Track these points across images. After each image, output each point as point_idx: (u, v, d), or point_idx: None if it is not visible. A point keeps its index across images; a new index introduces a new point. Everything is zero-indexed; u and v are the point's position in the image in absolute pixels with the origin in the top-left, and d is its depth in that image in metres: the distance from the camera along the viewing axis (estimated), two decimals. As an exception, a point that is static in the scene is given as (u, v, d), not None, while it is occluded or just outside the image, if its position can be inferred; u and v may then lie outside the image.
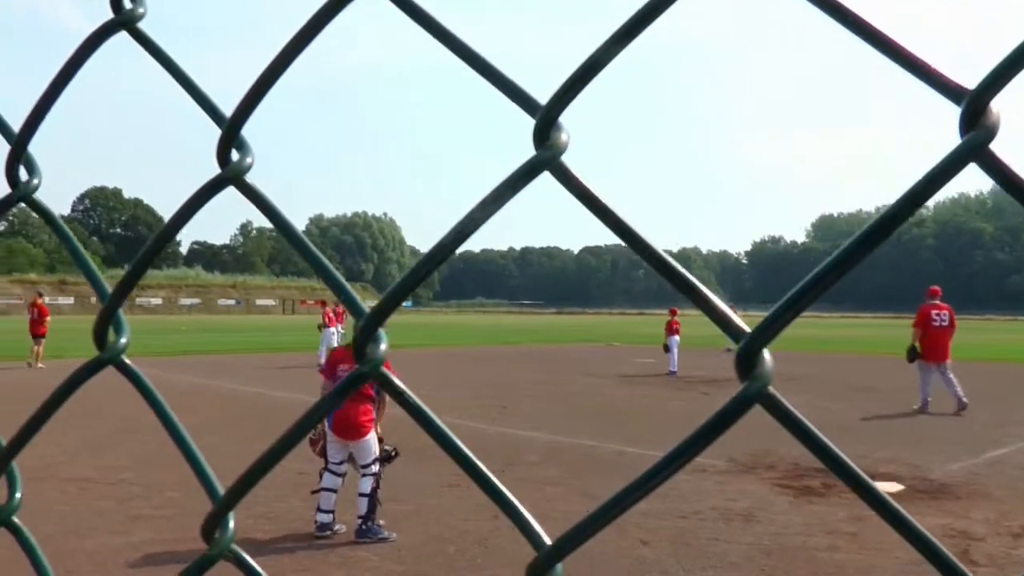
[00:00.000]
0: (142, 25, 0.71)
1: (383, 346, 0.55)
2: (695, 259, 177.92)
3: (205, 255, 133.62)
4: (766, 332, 0.45)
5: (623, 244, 0.53)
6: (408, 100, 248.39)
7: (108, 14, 0.75)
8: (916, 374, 16.20)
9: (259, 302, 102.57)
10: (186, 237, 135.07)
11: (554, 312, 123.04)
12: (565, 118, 0.53)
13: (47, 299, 28.07)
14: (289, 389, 18.63)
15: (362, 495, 7.58)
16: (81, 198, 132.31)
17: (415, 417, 0.56)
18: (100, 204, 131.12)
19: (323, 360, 24.67)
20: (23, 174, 0.81)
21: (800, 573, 6.77)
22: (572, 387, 20.45)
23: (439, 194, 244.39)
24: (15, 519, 0.79)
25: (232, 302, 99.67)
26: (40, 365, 23.22)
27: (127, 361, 0.73)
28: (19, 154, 0.78)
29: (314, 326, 27.09)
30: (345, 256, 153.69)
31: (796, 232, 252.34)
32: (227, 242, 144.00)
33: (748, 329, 0.47)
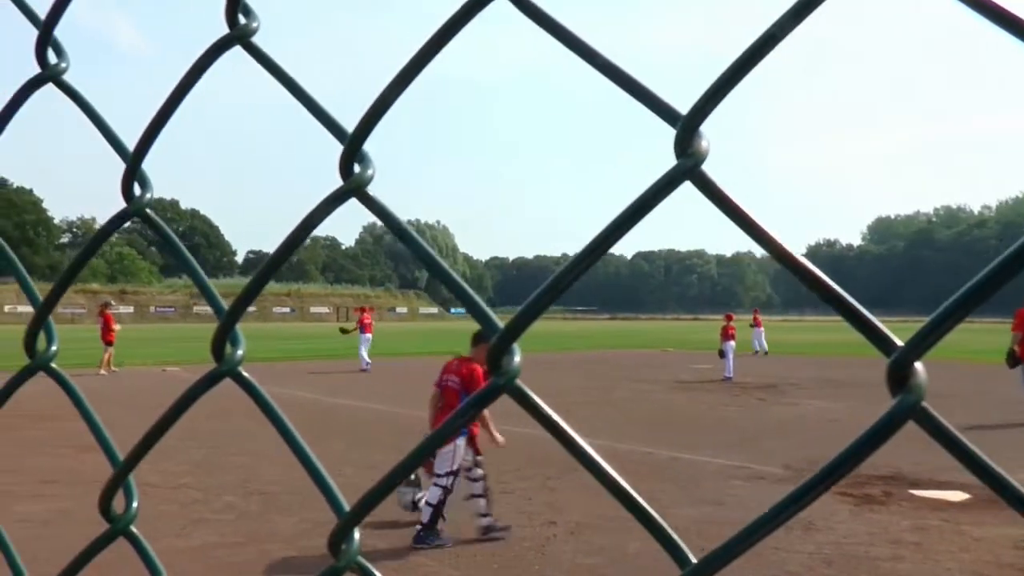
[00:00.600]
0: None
1: (517, 358, 0.55)
2: (749, 263, 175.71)
3: (260, 264, 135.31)
4: (919, 345, 0.44)
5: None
6: (466, 107, 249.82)
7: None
8: (1018, 377, 15.65)
9: (313, 310, 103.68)
10: (241, 246, 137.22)
11: (607, 318, 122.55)
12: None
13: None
14: (325, 393, 18.82)
15: (427, 504, 7.59)
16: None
17: (553, 434, 0.55)
18: (158, 215, 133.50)
19: (368, 363, 25.88)
20: (136, 189, 0.83)
21: (865, 583, 6.64)
22: (627, 393, 20.36)
23: (493, 202, 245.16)
24: (133, 528, 0.81)
25: (287, 310, 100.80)
26: (102, 372, 23.81)
27: (244, 373, 0.74)
28: (135, 170, 0.80)
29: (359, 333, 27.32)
30: (399, 264, 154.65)
31: (852, 235, 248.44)
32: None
33: (900, 342, 0.45)
